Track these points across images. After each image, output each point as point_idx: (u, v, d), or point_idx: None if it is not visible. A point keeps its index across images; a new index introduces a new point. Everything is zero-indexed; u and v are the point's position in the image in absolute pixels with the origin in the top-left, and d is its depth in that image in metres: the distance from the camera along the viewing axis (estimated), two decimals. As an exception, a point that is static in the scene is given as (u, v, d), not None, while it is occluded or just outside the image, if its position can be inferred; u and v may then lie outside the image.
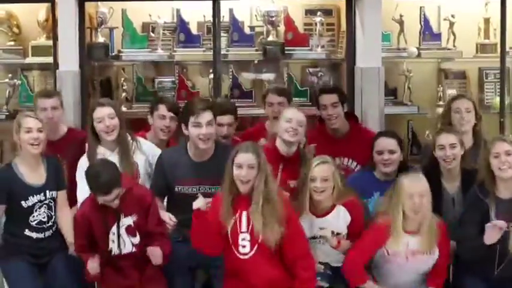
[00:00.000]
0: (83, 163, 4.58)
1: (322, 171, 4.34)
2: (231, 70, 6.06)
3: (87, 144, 4.67)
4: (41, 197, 4.49)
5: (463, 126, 4.91)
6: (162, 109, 4.99)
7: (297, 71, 6.19)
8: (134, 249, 4.33)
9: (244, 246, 4.16)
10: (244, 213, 4.15)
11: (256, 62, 6.09)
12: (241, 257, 4.16)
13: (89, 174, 4.26)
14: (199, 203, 4.15)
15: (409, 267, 4.34)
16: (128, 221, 4.32)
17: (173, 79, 6.04)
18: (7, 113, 5.83)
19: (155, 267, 4.33)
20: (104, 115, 4.54)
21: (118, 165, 4.39)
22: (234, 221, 4.15)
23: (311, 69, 6.21)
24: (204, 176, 4.45)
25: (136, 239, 4.33)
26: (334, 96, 5.14)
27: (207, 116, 4.44)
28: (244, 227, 4.15)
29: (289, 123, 4.56)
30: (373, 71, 5.64)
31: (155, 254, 4.28)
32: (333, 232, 4.35)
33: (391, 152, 4.64)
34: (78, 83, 5.55)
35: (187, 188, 4.48)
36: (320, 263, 4.38)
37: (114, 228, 4.30)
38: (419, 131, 6.19)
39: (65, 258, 4.53)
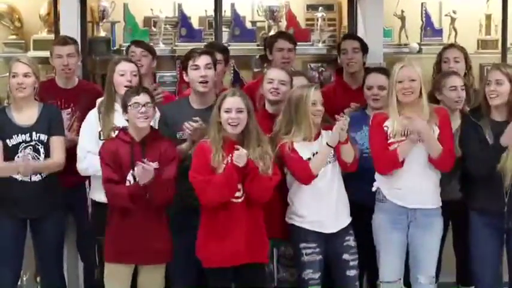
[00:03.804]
0: (92, 117, 4.65)
1: (319, 95, 4.44)
2: (232, 65, 6.06)
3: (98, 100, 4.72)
4: (26, 137, 4.53)
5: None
6: (132, 48, 5.24)
7: (298, 66, 6.16)
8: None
9: (239, 190, 4.20)
10: None
11: (257, 57, 6.10)
12: (235, 200, 4.19)
13: None
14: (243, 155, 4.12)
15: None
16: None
17: (174, 73, 6.04)
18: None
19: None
20: (127, 70, 4.63)
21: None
22: (226, 165, 4.16)
23: (312, 65, 6.24)
24: (204, 122, 4.46)
25: None
26: (356, 42, 5.47)
27: (204, 59, 4.56)
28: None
29: (271, 83, 4.62)
30: (375, 67, 5.65)
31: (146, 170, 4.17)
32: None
33: (381, 87, 4.78)
34: (80, 77, 5.50)
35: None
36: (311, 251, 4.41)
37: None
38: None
39: (56, 220, 4.62)
